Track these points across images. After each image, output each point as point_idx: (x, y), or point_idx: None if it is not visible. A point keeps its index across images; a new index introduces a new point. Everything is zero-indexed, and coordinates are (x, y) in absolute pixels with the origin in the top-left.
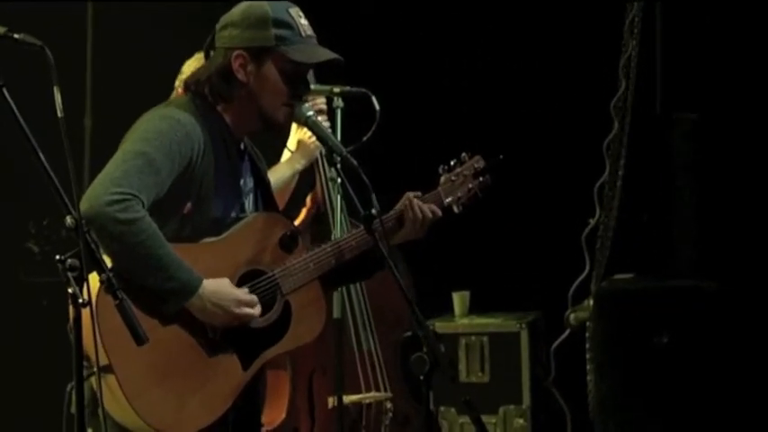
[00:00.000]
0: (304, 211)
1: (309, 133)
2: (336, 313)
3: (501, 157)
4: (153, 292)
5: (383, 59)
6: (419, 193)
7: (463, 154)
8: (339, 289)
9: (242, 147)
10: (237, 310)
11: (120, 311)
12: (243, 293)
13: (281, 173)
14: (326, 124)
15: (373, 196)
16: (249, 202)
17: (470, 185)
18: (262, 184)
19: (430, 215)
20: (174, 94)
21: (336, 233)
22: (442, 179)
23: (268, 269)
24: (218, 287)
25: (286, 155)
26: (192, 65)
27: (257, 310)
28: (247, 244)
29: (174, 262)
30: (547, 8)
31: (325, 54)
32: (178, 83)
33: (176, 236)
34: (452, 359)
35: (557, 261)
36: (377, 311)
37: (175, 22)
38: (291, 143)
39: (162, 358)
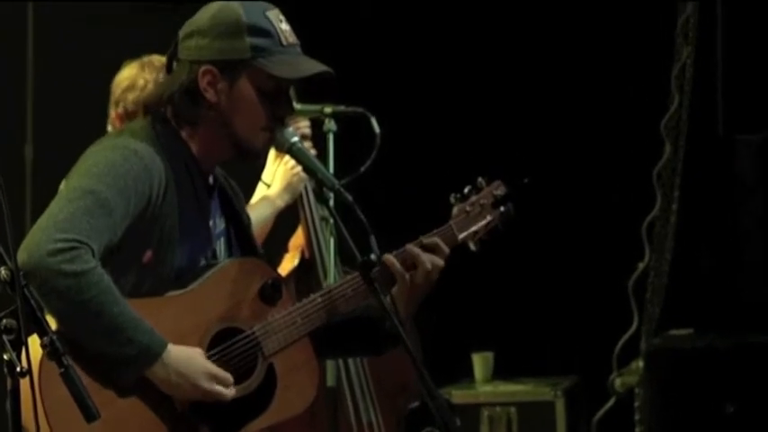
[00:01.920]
0: (287, 260)
1: (292, 163)
2: (330, 380)
3: (526, 180)
4: (106, 359)
5: (383, 72)
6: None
7: (480, 179)
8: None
9: (210, 180)
10: (207, 386)
11: (66, 381)
12: (216, 368)
13: (258, 212)
14: (313, 152)
15: (372, 239)
16: (221, 247)
17: (489, 217)
18: (236, 224)
19: (429, 267)
20: (110, 124)
21: (330, 283)
22: (455, 210)
23: (246, 326)
24: (187, 355)
25: (260, 190)
26: (126, 78)
27: (231, 392)
28: (220, 297)
29: (131, 322)
30: (582, 8)
31: (313, 67)
32: (113, 104)
33: (134, 290)
34: None
35: (598, 314)
36: (378, 377)
37: (132, 38)
38: (267, 175)
39: None
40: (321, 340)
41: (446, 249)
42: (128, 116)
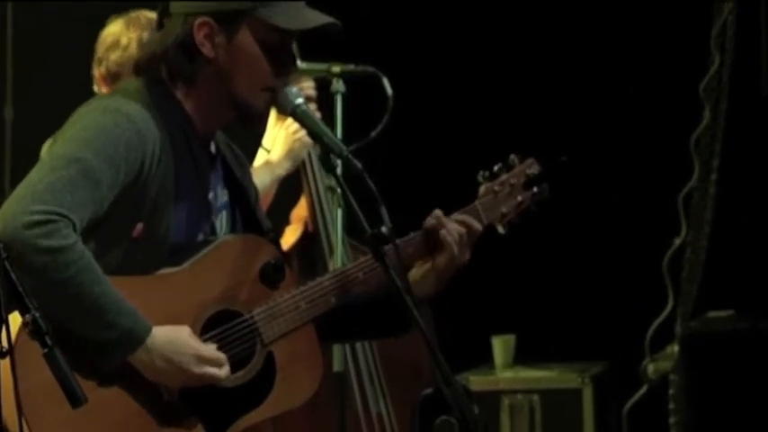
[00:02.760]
0: (289, 233)
1: (295, 127)
2: (336, 366)
3: (564, 159)
4: (86, 344)
5: (397, 26)
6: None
7: (511, 156)
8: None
9: (212, 149)
10: (197, 370)
11: (50, 363)
12: (206, 348)
13: (257, 180)
14: (318, 115)
15: (383, 210)
16: (222, 222)
17: (520, 198)
18: (241, 198)
19: (462, 231)
20: (96, 84)
21: (336, 261)
22: (482, 190)
23: (244, 310)
24: (174, 337)
25: (260, 156)
26: (110, 35)
27: (224, 372)
28: (217, 276)
29: (113, 303)
30: None
31: (318, 18)
32: (97, 62)
33: (122, 267)
34: (491, 425)
35: (630, 294)
36: (389, 362)
37: None
38: (268, 140)
39: (99, 429)
40: (327, 322)
41: (479, 226)
42: (111, 77)
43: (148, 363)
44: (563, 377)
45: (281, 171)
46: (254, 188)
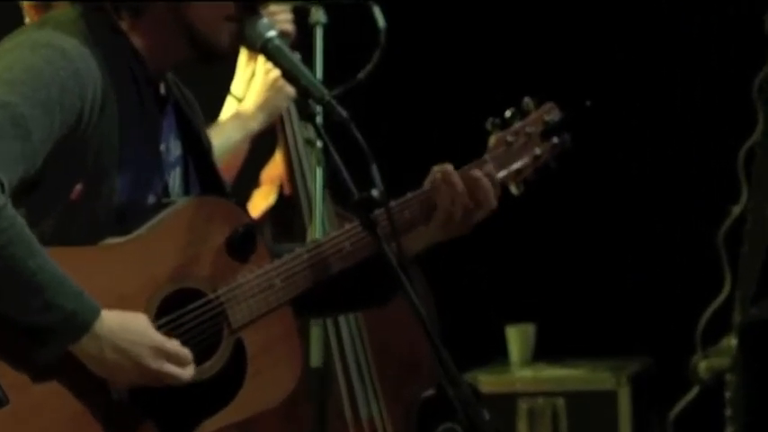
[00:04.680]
0: (260, 196)
1: (274, 73)
2: (315, 360)
3: (588, 103)
4: (18, 330)
5: None
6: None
7: (526, 100)
8: (322, 321)
9: (162, 90)
10: (155, 365)
11: None
12: (167, 341)
13: (225, 136)
14: (296, 55)
15: (374, 168)
16: (175, 180)
17: (538, 151)
18: (196, 150)
19: (489, 186)
20: (26, 15)
21: (316, 230)
22: (493, 140)
23: (207, 288)
24: (128, 323)
25: (229, 105)
26: None
27: (187, 372)
28: (174, 248)
29: (52, 280)
30: None
31: None
32: None
33: (58, 236)
34: None
35: (676, 276)
36: (382, 357)
37: None
38: (238, 86)
39: None
40: (303, 303)
41: (488, 185)
42: (42, 5)
43: (96, 354)
44: (594, 377)
45: (255, 125)
46: (207, 137)
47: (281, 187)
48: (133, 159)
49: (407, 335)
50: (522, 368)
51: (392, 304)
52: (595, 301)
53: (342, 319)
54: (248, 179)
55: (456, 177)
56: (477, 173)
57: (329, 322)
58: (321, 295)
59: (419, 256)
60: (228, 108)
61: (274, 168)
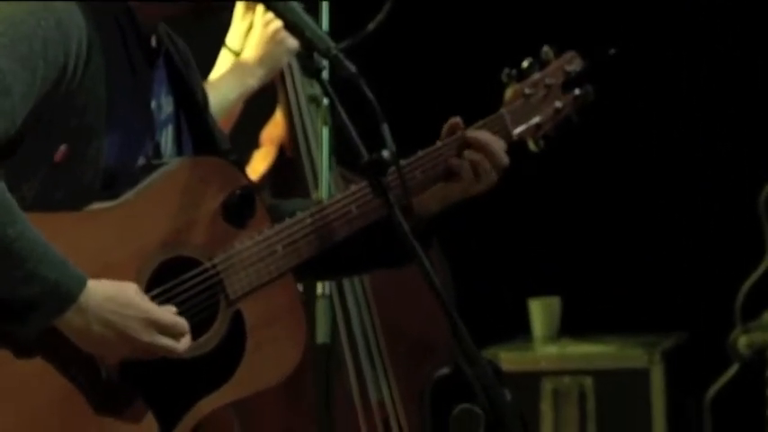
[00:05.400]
0: (259, 158)
1: (274, 23)
2: (321, 336)
3: (613, 51)
4: None
5: None
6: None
7: (545, 48)
8: (325, 288)
9: (153, 42)
10: (147, 338)
11: None
12: (160, 311)
13: (221, 92)
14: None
15: (385, 128)
16: (167, 140)
17: (559, 104)
18: (189, 107)
19: (500, 152)
20: None
21: (322, 192)
22: (509, 92)
23: (202, 256)
24: (116, 294)
25: (225, 59)
26: None
27: (183, 343)
28: (166, 213)
29: (35, 249)
30: None
31: None
32: None
33: (41, 201)
34: (529, 416)
35: (713, 245)
36: (393, 334)
37: None
38: (235, 39)
39: (14, 419)
40: (305, 269)
41: (496, 146)
42: None
43: (82, 328)
44: (624, 353)
45: (254, 81)
46: (203, 92)
47: (281, 148)
48: (121, 118)
49: (421, 309)
50: (546, 344)
51: (404, 275)
52: (626, 271)
53: (349, 291)
54: (246, 140)
55: (469, 132)
56: (486, 132)
57: (335, 294)
58: (326, 257)
59: (433, 221)
60: (223, 63)
61: (274, 128)
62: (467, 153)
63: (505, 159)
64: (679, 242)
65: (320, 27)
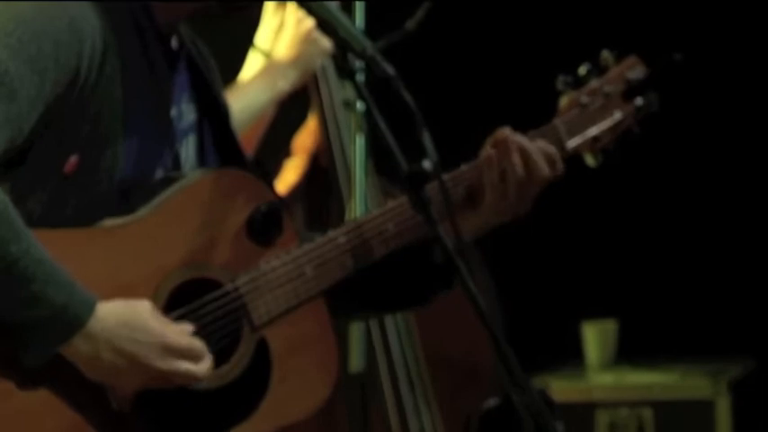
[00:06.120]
0: (290, 169)
1: (301, 16)
2: (356, 365)
3: (678, 57)
4: (0, 327)
5: None
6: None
7: (605, 53)
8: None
9: (173, 44)
10: (163, 365)
11: None
12: (177, 333)
13: (250, 96)
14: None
15: (426, 136)
16: (188, 150)
17: (618, 114)
18: (215, 115)
19: (545, 166)
20: None
21: (357, 208)
22: (564, 101)
23: (224, 277)
24: (129, 317)
25: (254, 61)
26: None
27: (203, 367)
28: (186, 230)
29: (40, 268)
30: None
31: None
32: None
33: (50, 216)
34: None
35: None
36: (436, 361)
37: None
38: (265, 38)
39: None
40: (340, 300)
41: (552, 153)
42: None
43: (91, 355)
44: (687, 383)
45: (285, 84)
46: (224, 100)
47: (315, 158)
48: (138, 126)
49: (465, 334)
50: (601, 373)
51: (447, 297)
52: (688, 291)
53: (387, 319)
54: (277, 149)
55: (513, 145)
56: (539, 143)
57: (372, 322)
58: (354, 294)
59: (479, 241)
60: (252, 65)
61: (307, 136)
62: (493, 155)
63: (545, 170)
64: (746, 260)
65: (355, 25)
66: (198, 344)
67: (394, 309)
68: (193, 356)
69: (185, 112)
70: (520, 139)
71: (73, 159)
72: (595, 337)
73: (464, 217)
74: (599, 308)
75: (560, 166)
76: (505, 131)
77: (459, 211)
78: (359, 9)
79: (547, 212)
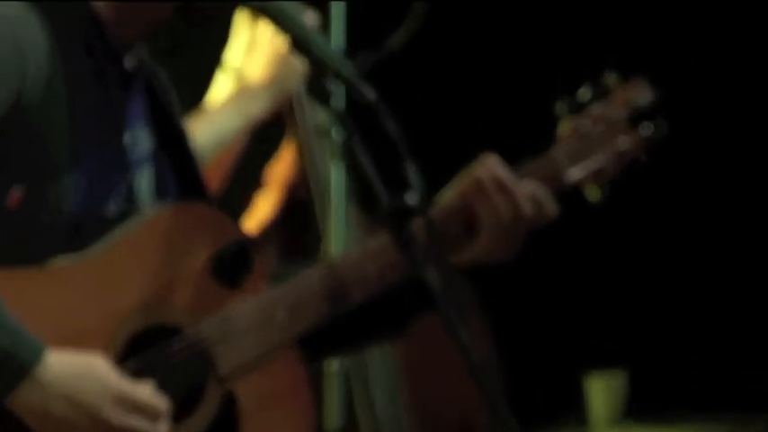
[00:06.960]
0: (263, 200)
1: (275, 35)
2: (333, 421)
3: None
4: None
5: None
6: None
7: (608, 75)
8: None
9: (128, 64)
10: (118, 421)
11: None
12: (134, 388)
13: (217, 123)
14: (311, 16)
15: (410, 167)
16: (144, 181)
17: (623, 143)
18: (172, 142)
19: (528, 209)
20: None
21: (335, 245)
22: (563, 128)
23: (186, 322)
24: (81, 368)
25: (224, 83)
26: None
27: (161, 427)
28: (143, 270)
29: None
30: None
31: None
32: None
33: None
34: None
35: None
36: (423, 417)
37: None
38: (235, 57)
39: None
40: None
41: (539, 195)
42: None
43: (39, 407)
44: None
45: (258, 109)
46: (186, 131)
47: (290, 190)
48: (88, 154)
49: (457, 389)
50: (606, 429)
51: (439, 346)
52: (704, 341)
53: (372, 365)
54: (248, 180)
55: (490, 183)
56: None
57: (353, 370)
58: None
59: (474, 283)
60: (220, 87)
61: (282, 166)
62: (469, 197)
63: (529, 209)
64: (767, 306)
65: (331, 43)
66: (157, 401)
67: (369, 340)
68: (152, 414)
69: (141, 140)
70: (501, 176)
71: (16, 192)
72: (600, 390)
73: (459, 253)
74: (603, 358)
75: (551, 208)
76: (487, 166)
77: (451, 243)
78: (335, 10)
79: (547, 252)
